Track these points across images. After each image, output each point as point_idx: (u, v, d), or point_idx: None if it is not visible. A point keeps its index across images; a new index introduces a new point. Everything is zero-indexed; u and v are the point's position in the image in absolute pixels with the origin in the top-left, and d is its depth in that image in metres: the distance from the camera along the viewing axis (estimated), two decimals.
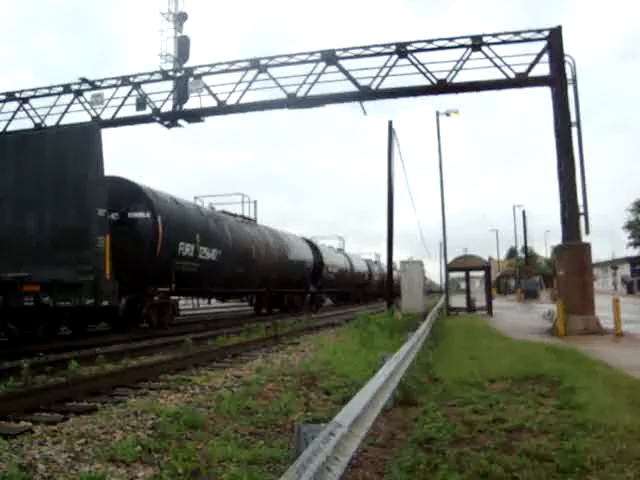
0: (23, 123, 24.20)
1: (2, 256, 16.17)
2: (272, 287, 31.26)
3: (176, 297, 22.71)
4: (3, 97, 24.54)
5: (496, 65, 20.08)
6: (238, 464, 5.36)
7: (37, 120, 23.96)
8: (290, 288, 34.31)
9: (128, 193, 19.62)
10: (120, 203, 18.86)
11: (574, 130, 19.41)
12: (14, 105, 24.32)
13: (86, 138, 17.11)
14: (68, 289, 14.98)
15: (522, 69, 20.06)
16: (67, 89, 23.65)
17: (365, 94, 21.28)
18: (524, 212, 65.23)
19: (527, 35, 20.17)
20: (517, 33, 20.26)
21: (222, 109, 22.27)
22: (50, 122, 23.77)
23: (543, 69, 20.12)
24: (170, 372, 11.05)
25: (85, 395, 8.79)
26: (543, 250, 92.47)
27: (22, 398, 8.05)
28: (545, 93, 20.31)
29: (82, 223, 16.16)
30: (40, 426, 6.60)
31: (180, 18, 23.69)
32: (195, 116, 22.92)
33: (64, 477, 4.93)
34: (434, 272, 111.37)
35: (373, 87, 20.91)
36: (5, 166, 17.41)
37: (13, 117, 24.26)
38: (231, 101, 21.92)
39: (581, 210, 19.13)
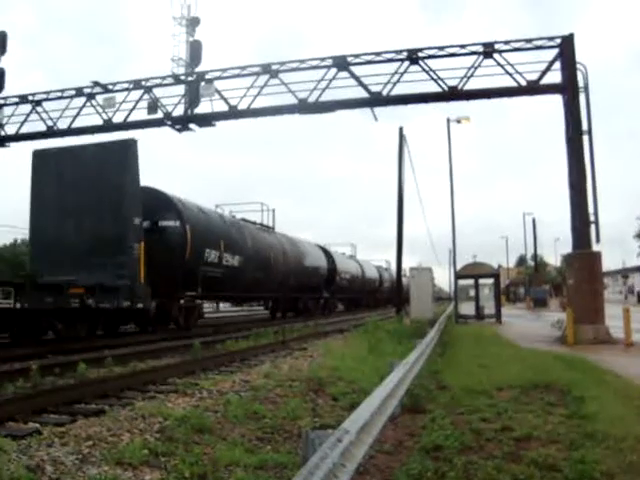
0: (35, 126, 24.38)
1: (47, 261, 17.81)
2: (288, 292, 32.38)
3: (199, 300, 23.73)
4: (16, 100, 24.68)
5: (507, 72, 20.04)
6: (245, 469, 5.36)
7: (49, 123, 24.07)
8: (305, 293, 35.52)
9: (158, 202, 20.71)
10: (151, 212, 19.73)
11: (585, 138, 19.31)
12: (27, 108, 24.47)
13: (124, 152, 18.47)
14: (108, 292, 16.39)
15: (534, 76, 19.99)
16: (79, 92, 23.77)
17: (376, 100, 21.27)
18: (534, 220, 65.15)
19: (539, 42, 20.12)
20: (529, 40, 20.22)
21: (233, 114, 22.32)
22: (62, 125, 23.90)
23: (555, 77, 20.06)
24: (178, 376, 11.07)
25: (93, 397, 8.82)
26: (553, 258, 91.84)
27: (31, 399, 8.08)
28: (556, 101, 20.30)
29: (119, 231, 17.62)
30: (48, 428, 6.62)
31: (192, 23, 23.78)
32: (206, 120, 22.97)
33: (72, 479, 4.94)
34: (443, 279, 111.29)
35: (384, 93, 20.90)
36: (48, 178, 18.89)
37: (26, 120, 24.39)
38: (242, 106, 21.97)
39: (592, 218, 19.00)
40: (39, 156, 19.68)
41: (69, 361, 12.40)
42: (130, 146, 18.66)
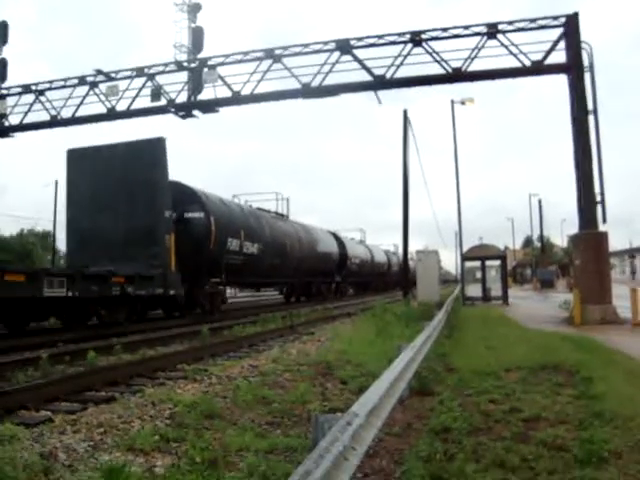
0: (39, 115, 24.39)
1: (83, 253, 19.36)
2: (303, 277, 34.19)
3: (221, 287, 24.93)
4: (19, 90, 24.70)
5: (512, 53, 19.92)
6: (255, 453, 5.40)
7: (53, 112, 24.08)
8: (318, 278, 37.46)
9: (184, 195, 22.00)
10: (177, 204, 20.92)
11: (591, 117, 19.21)
12: (30, 97, 24.48)
13: (154, 149, 19.78)
14: (144, 280, 17.90)
15: (538, 57, 19.85)
16: (82, 81, 23.76)
17: (379, 83, 21.17)
18: (540, 201, 64.96)
19: (543, 22, 19.97)
20: (533, 20, 20.07)
21: (237, 99, 22.27)
22: (66, 114, 23.92)
23: (559, 56, 19.93)
24: (187, 362, 11.13)
25: (103, 385, 8.89)
26: (559, 239, 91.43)
27: (42, 388, 8.15)
28: (561, 80, 20.14)
29: (151, 224, 19.05)
30: (60, 415, 6.70)
31: (194, 9, 23.66)
32: (210, 107, 22.94)
33: (84, 465, 4.99)
34: (450, 261, 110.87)
35: (388, 76, 20.81)
36: (83, 176, 20.19)
37: (29, 109, 24.40)
38: (245, 91, 21.94)
39: (598, 198, 18.94)
40: (74, 155, 20.78)
41: (79, 349, 12.50)
42: (159, 144, 19.83)
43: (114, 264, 17.50)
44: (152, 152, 19.74)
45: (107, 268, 16.94)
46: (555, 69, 20.27)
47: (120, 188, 19.42)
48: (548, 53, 19.84)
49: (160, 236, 19.01)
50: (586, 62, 19.38)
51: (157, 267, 18.65)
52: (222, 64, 22.46)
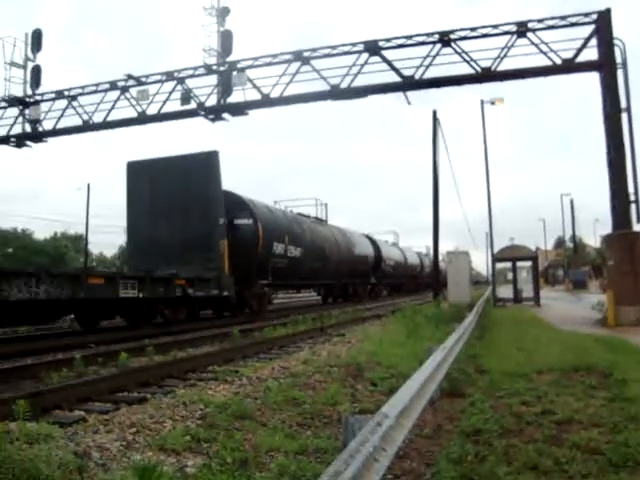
0: (71, 120, 24.76)
1: (145, 257, 21.12)
2: (340, 279, 35.71)
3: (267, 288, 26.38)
4: (53, 95, 25.10)
5: (542, 51, 19.68)
6: (286, 454, 5.42)
7: (85, 117, 24.43)
8: (355, 279, 38.80)
9: (233, 204, 23.33)
10: (227, 212, 22.17)
11: (624, 115, 18.91)
12: (63, 103, 24.86)
13: (209, 162, 21.66)
14: (202, 282, 19.58)
15: (569, 54, 19.58)
16: (113, 86, 24.06)
17: (408, 84, 21.07)
18: (572, 201, 64.08)
19: (574, 19, 19.69)
20: (564, 18, 19.80)
21: (266, 102, 22.34)
22: (97, 119, 24.25)
23: (591, 53, 19.61)
24: (218, 363, 11.21)
25: (135, 386, 8.99)
26: (592, 239, 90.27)
27: (76, 388, 8.27)
28: (593, 78, 19.85)
29: (207, 230, 20.89)
30: (93, 415, 6.79)
31: (223, 13, 23.76)
32: (239, 109, 23.04)
33: (117, 464, 5.05)
34: (481, 263, 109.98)
35: (416, 77, 20.70)
36: (142, 186, 22.06)
37: (62, 114, 24.77)
38: (275, 94, 21.98)
39: (632, 197, 18.61)
40: (133, 167, 22.71)
41: (111, 350, 12.66)
42: (213, 156, 21.69)
43: (171, 268, 19.16)
44: (207, 164, 21.50)
45: (170, 271, 18.67)
46: (587, 67, 19.98)
47: (177, 198, 21.27)
48: (579, 51, 19.56)
49: (215, 242, 20.79)
50: (619, 59, 19.07)
51: (213, 270, 20.38)
52: (251, 67, 22.55)
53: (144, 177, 22.19)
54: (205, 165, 21.61)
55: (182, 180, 21.39)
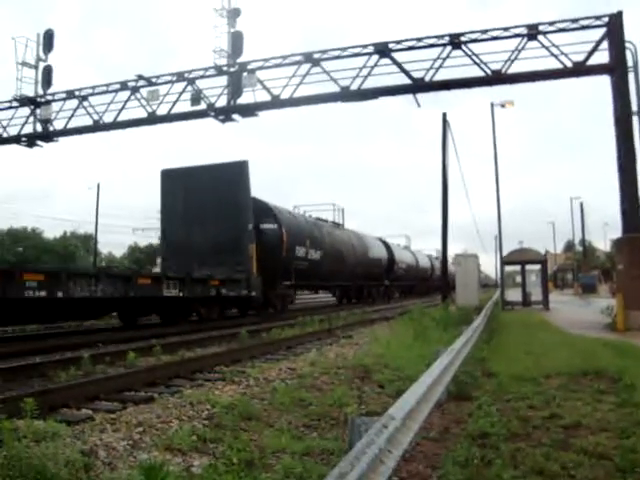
0: (82, 120, 24.85)
1: (178, 259, 22.71)
2: (356, 281, 37.37)
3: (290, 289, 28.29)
4: (64, 95, 25.21)
5: (553, 54, 19.61)
6: (292, 455, 5.41)
7: (95, 117, 24.52)
8: (369, 281, 40.51)
9: (259, 209, 24.74)
10: (254, 217, 23.66)
11: (635, 118, 18.81)
12: (74, 103, 24.95)
13: (239, 171, 23.23)
14: (233, 283, 21.27)
15: (580, 57, 19.49)
16: (124, 86, 24.15)
17: (418, 86, 21.05)
18: (581, 204, 63.77)
19: (585, 22, 19.60)
20: (575, 20, 19.72)
21: (276, 103, 22.37)
22: (108, 119, 24.33)
23: (602, 57, 19.50)
24: (225, 364, 11.22)
25: (143, 385, 9.01)
26: (602, 243, 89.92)
27: (84, 387, 8.29)
28: (604, 81, 19.75)
29: (237, 235, 22.53)
30: (100, 414, 6.82)
31: (233, 14, 23.80)
32: (249, 110, 23.08)
33: (123, 463, 5.07)
34: (489, 265, 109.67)
35: (427, 79, 20.67)
36: (176, 194, 23.87)
37: (73, 114, 24.88)
38: (285, 95, 22.00)
39: None
40: (167, 174, 24.50)
41: (119, 350, 12.70)
42: (243, 166, 23.27)
43: (203, 269, 20.73)
44: (237, 173, 23.08)
45: (205, 273, 20.16)
46: (598, 70, 19.88)
47: (209, 204, 22.81)
48: (590, 54, 19.47)
49: (244, 246, 22.42)
50: (630, 62, 19.00)
51: (242, 272, 21.97)
52: (261, 68, 22.60)
53: (178, 184, 23.84)
54: (235, 174, 23.07)
55: (214, 188, 22.85)
